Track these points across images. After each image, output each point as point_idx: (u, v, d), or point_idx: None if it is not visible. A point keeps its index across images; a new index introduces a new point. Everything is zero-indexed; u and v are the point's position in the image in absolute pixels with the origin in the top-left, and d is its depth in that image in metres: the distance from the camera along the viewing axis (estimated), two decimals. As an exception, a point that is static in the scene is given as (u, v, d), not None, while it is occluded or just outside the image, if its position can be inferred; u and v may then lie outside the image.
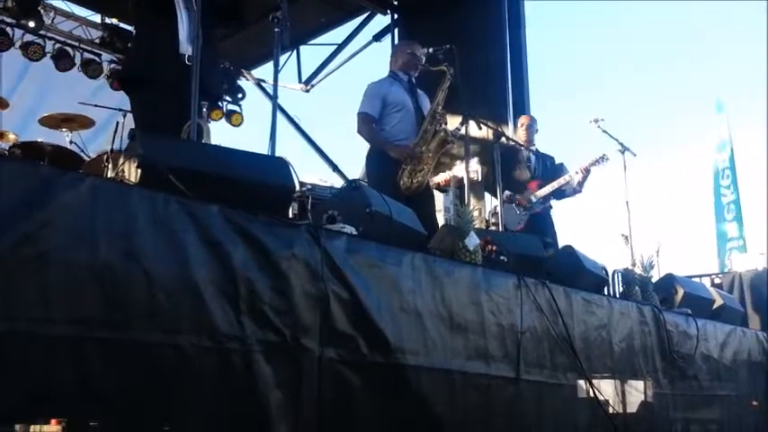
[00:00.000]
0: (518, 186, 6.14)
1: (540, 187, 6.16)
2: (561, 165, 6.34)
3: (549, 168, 6.34)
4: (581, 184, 6.13)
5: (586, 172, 6.07)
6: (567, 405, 3.59)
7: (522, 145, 6.24)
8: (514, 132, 6.76)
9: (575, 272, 4.21)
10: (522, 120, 6.57)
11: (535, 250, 4.19)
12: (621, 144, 5.83)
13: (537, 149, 6.43)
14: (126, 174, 2.70)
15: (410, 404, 2.81)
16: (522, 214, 6.05)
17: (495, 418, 3.20)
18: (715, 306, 5.53)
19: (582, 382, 3.70)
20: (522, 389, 3.33)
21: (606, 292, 4.74)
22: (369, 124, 4.87)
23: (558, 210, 6.41)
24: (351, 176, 8.31)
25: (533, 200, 6.10)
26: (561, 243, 5.77)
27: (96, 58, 8.99)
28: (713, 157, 10.73)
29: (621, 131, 5.87)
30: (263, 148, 3.80)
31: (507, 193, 5.92)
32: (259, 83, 10.68)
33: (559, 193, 6.21)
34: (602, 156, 5.98)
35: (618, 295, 4.84)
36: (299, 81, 10.65)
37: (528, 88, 8.20)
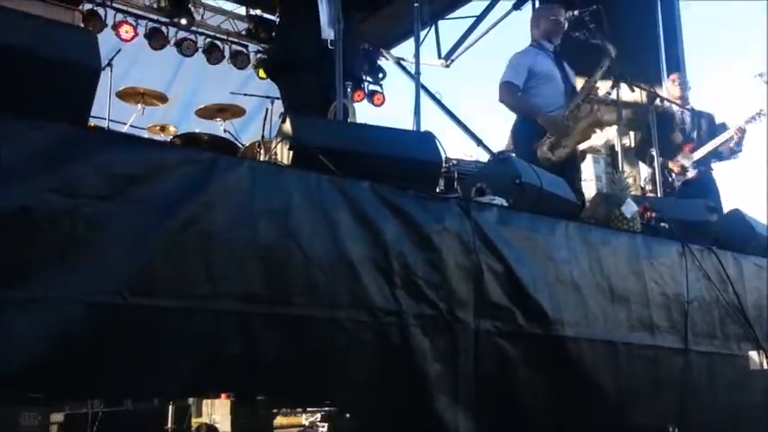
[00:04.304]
0: (672, 150, 5.80)
1: (694, 150, 5.80)
2: (723, 124, 5.91)
3: (706, 128, 5.94)
4: (738, 144, 5.71)
5: (741, 132, 5.65)
6: (741, 376, 3.37)
7: (676, 104, 5.89)
8: (666, 91, 6.39)
9: (744, 237, 3.92)
10: (673, 77, 6.22)
11: (699, 215, 3.94)
12: (789, 99, 5.38)
13: (693, 108, 6.05)
14: (278, 156, 2.77)
15: (571, 376, 2.74)
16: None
17: (664, 389, 3.06)
18: None
19: (756, 353, 3.46)
20: (691, 360, 3.17)
21: (779, 257, 4.40)
22: (512, 93, 4.69)
23: (720, 172, 6.01)
24: (495, 150, 8.19)
25: (686, 164, 5.75)
26: (726, 207, 5.40)
27: (243, 50, 9.36)
28: None
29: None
30: (405, 127, 3.79)
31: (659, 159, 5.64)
32: (399, 61, 10.72)
33: (717, 155, 5.82)
34: (758, 111, 5.54)
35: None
36: (439, 57, 10.59)
37: (682, 45, 7.71)
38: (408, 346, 2.35)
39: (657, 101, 5.79)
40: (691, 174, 5.77)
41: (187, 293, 1.95)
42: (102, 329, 1.82)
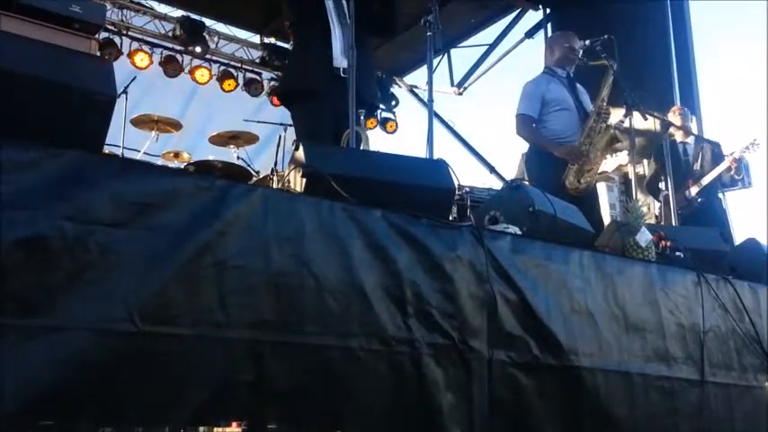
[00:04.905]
0: (676, 183, 5.80)
1: (696, 181, 5.79)
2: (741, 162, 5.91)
3: (710, 158, 5.94)
4: (738, 172, 5.71)
5: (737, 161, 5.65)
6: (759, 408, 3.32)
7: (688, 132, 5.90)
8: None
9: (760, 266, 3.88)
10: (675, 108, 6.23)
11: (715, 244, 3.91)
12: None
13: (697, 137, 6.05)
14: (291, 183, 2.77)
15: (587, 407, 2.71)
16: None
17: (681, 422, 3.01)
18: None
19: (774, 385, 3.41)
20: (708, 392, 3.12)
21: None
22: (529, 126, 4.72)
23: (733, 201, 6.01)
24: (508, 178, 8.18)
25: (688, 195, 5.76)
26: (741, 236, 5.36)
27: (257, 77, 9.44)
28: None
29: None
30: (418, 155, 3.80)
31: (664, 192, 5.64)
32: (412, 89, 10.78)
33: (722, 184, 5.82)
34: (752, 141, 5.56)
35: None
36: (452, 84, 10.63)
37: (695, 72, 7.70)
38: (421, 375, 2.32)
39: (672, 129, 5.81)
40: (694, 204, 5.77)
41: (199, 321, 1.94)
42: (113, 357, 1.81)
